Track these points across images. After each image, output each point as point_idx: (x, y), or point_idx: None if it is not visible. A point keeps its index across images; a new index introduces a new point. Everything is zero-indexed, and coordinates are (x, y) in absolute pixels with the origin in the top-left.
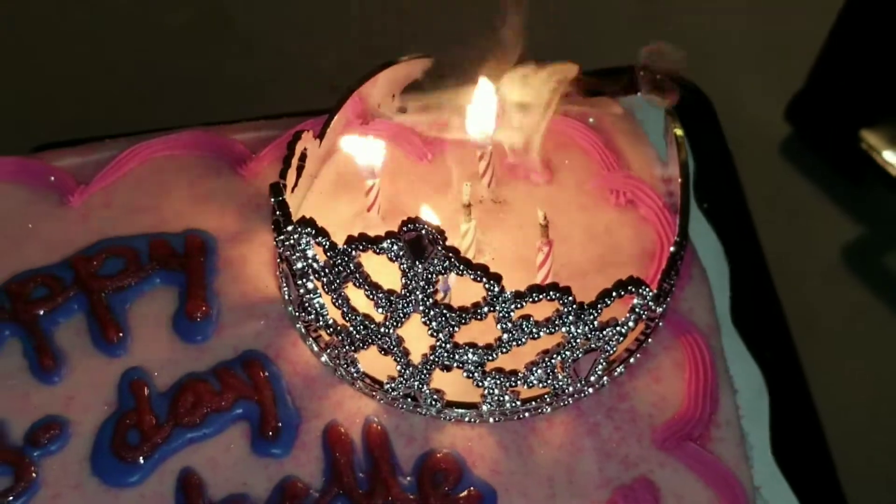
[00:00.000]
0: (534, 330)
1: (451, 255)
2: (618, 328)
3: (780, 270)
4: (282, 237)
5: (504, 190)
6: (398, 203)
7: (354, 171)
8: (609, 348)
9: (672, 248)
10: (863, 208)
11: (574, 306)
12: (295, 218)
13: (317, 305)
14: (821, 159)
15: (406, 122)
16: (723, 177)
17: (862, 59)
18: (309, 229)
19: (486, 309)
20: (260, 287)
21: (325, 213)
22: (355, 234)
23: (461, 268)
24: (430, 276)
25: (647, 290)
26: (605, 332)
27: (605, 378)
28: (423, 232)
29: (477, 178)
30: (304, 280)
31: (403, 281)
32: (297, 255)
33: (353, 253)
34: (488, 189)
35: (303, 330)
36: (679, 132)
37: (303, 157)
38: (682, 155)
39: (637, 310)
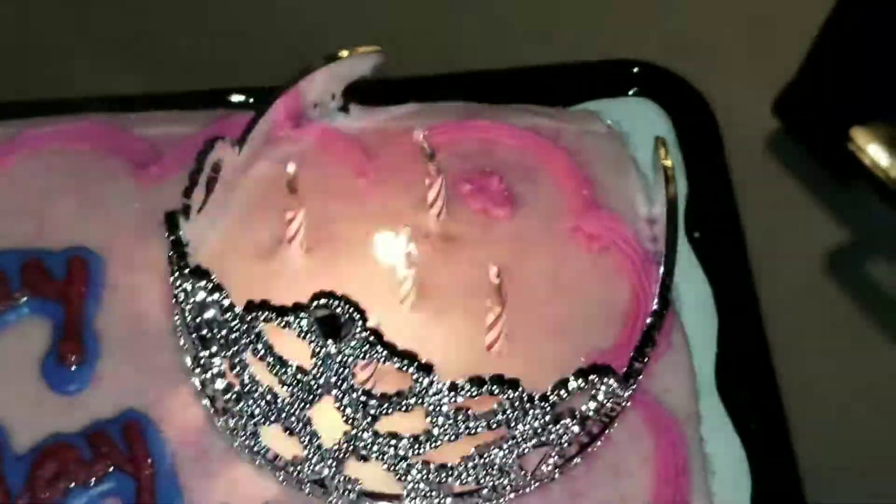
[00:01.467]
0: (471, 425)
1: (371, 338)
2: (573, 421)
3: (758, 270)
4: (174, 279)
5: (456, 224)
6: (327, 229)
7: (279, 183)
8: (563, 442)
9: (649, 320)
10: (848, 209)
11: (521, 402)
12: (200, 243)
13: (213, 366)
14: (807, 156)
15: (346, 128)
16: (719, 203)
17: (856, 55)
18: (203, 283)
19: (412, 400)
20: (150, 328)
21: (241, 237)
22: (270, 288)
23: (383, 354)
24: (345, 358)
25: (614, 379)
26: (558, 427)
27: (556, 472)
28: (339, 310)
29: (425, 207)
30: (200, 332)
31: (314, 361)
32: (191, 306)
33: (254, 322)
34: (437, 221)
35: (198, 387)
36: (668, 163)
37: (216, 168)
38: (670, 191)
39: (600, 398)
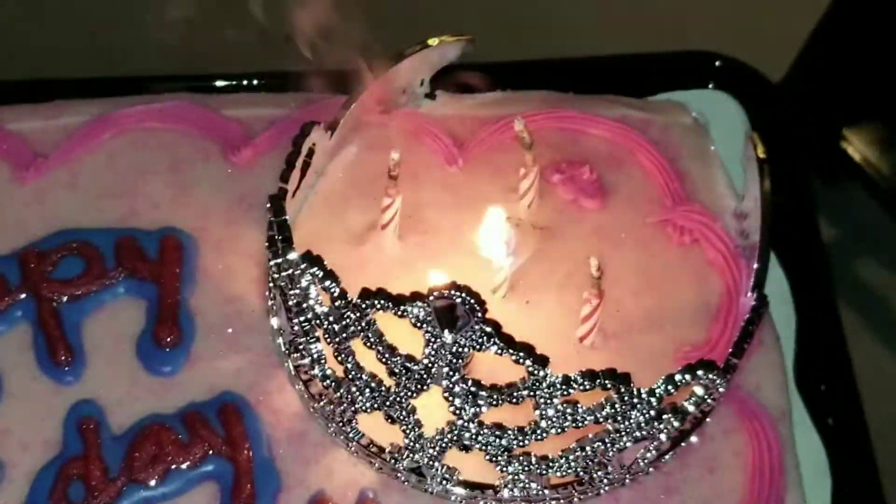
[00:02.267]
0: (578, 418)
1: (490, 330)
2: (675, 417)
3: None
4: (278, 263)
5: (547, 213)
6: (419, 217)
7: (368, 169)
8: (663, 438)
9: (747, 315)
10: (838, 207)
11: (630, 397)
12: (294, 228)
13: (313, 351)
14: None
15: (434, 114)
16: (796, 200)
17: (848, 54)
18: (315, 269)
19: (524, 392)
20: (245, 310)
21: (331, 222)
22: (362, 276)
23: (501, 346)
24: (460, 349)
25: (719, 374)
26: (661, 422)
27: (650, 466)
28: (459, 301)
29: (516, 197)
30: (301, 318)
31: (427, 350)
32: (296, 291)
33: (367, 310)
34: (528, 211)
35: (293, 371)
36: (764, 159)
37: (309, 153)
38: (765, 186)
39: (699, 392)
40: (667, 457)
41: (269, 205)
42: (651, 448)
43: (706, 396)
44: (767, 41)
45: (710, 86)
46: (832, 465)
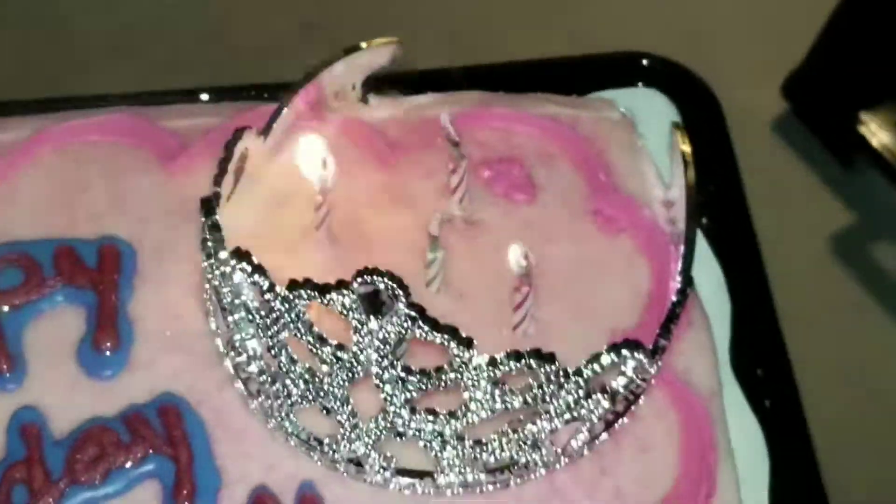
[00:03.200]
0: (507, 400)
1: (414, 314)
2: (605, 397)
3: (765, 251)
4: (211, 262)
5: (479, 208)
6: (353, 218)
7: (302, 172)
8: (595, 420)
9: (673, 298)
10: (855, 191)
11: (556, 377)
12: (229, 232)
13: (249, 348)
14: (815, 138)
15: (368, 117)
16: (727, 191)
17: (867, 37)
18: (244, 265)
19: (452, 375)
20: (183, 314)
21: (267, 226)
22: (299, 277)
23: (426, 330)
24: (387, 335)
25: (646, 353)
26: (590, 402)
27: (584, 448)
28: (382, 286)
29: (448, 193)
30: (235, 315)
31: (355, 338)
32: (229, 289)
33: (295, 301)
34: (459, 206)
35: (231, 370)
36: (687, 149)
37: (243, 158)
38: (689, 177)
39: (629, 373)
40: (600, 439)
41: (200, 207)
42: (584, 430)
43: (635, 376)
44: (785, 27)
45: (640, 84)
46: (770, 446)
